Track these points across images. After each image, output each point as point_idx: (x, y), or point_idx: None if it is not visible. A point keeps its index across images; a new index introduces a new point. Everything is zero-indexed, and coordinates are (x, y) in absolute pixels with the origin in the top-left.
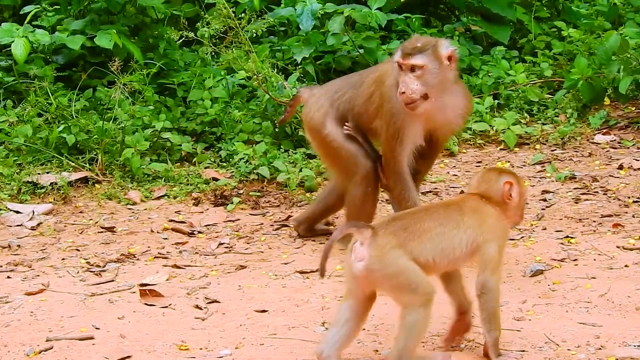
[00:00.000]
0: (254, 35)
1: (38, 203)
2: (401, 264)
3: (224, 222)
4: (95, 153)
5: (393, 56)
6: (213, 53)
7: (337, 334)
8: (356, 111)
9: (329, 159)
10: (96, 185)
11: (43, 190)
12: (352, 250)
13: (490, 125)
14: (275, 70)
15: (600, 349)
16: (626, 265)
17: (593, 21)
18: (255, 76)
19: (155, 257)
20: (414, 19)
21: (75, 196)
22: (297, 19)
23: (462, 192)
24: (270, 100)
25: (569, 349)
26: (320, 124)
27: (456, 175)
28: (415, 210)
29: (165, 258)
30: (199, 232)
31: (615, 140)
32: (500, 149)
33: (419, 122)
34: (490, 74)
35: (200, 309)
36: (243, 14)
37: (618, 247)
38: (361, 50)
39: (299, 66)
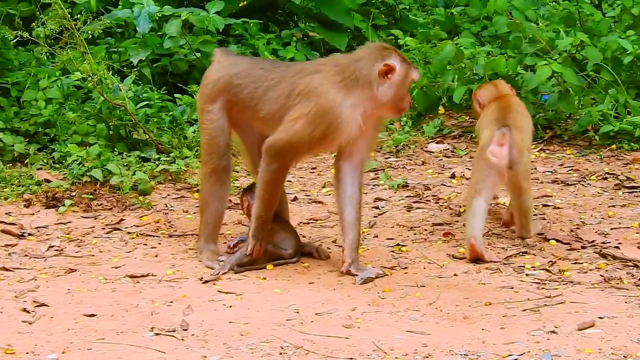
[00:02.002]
0: (90, 36)
1: None
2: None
3: (55, 224)
4: None
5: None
6: (49, 53)
7: (481, 223)
8: (265, 110)
9: (200, 131)
10: None
11: None
12: (493, 152)
13: None
14: (111, 72)
15: (427, 357)
16: (455, 274)
17: (429, 30)
18: (90, 78)
19: None
20: (251, 24)
21: None
22: (134, 21)
23: None
24: (104, 102)
25: (396, 357)
26: (210, 97)
27: (290, 181)
28: None
29: None
30: (29, 235)
31: (448, 149)
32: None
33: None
34: None
35: (28, 312)
36: (79, 15)
37: (448, 255)
38: (198, 54)
39: (135, 69)
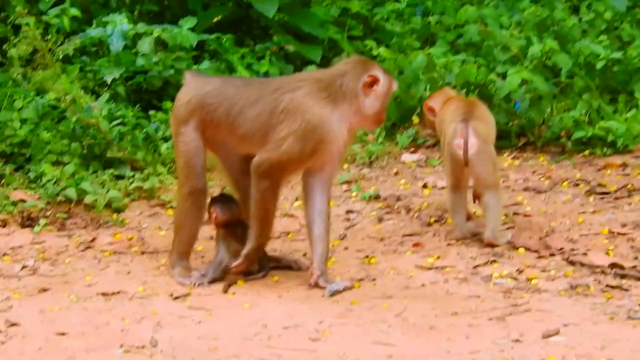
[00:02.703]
0: (64, 56)
1: None
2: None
3: (30, 244)
4: None
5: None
6: (24, 74)
7: (463, 217)
8: (244, 128)
9: (175, 154)
10: None
11: None
12: (459, 145)
13: None
14: (86, 91)
15: None
16: (423, 285)
17: (403, 40)
18: (64, 97)
19: None
20: (225, 39)
21: None
22: (108, 39)
23: None
24: (78, 122)
25: None
26: (182, 118)
27: None
28: None
29: None
30: (4, 254)
31: (422, 159)
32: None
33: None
34: None
35: (0, 332)
36: (51, 36)
37: (417, 266)
38: (172, 71)
39: (107, 88)
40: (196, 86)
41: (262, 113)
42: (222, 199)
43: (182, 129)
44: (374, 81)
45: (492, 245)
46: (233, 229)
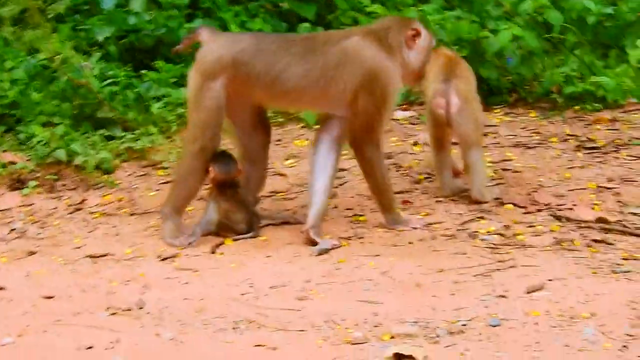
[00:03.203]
0: (52, 16)
1: None
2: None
3: (19, 206)
4: None
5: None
6: (14, 33)
7: (448, 174)
8: (289, 85)
9: (190, 111)
10: None
11: None
12: (439, 104)
13: None
14: (76, 51)
15: (377, 326)
16: (410, 242)
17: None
18: (55, 57)
19: None
20: None
21: None
22: None
23: None
24: (69, 82)
25: (347, 328)
26: (210, 75)
27: None
28: None
29: None
30: None
31: (414, 116)
32: (302, 127)
33: None
34: None
35: None
36: None
37: None
38: (164, 29)
39: (99, 48)
40: (226, 43)
41: (313, 68)
42: (222, 158)
43: (210, 85)
44: (417, 34)
45: (479, 202)
46: (226, 190)
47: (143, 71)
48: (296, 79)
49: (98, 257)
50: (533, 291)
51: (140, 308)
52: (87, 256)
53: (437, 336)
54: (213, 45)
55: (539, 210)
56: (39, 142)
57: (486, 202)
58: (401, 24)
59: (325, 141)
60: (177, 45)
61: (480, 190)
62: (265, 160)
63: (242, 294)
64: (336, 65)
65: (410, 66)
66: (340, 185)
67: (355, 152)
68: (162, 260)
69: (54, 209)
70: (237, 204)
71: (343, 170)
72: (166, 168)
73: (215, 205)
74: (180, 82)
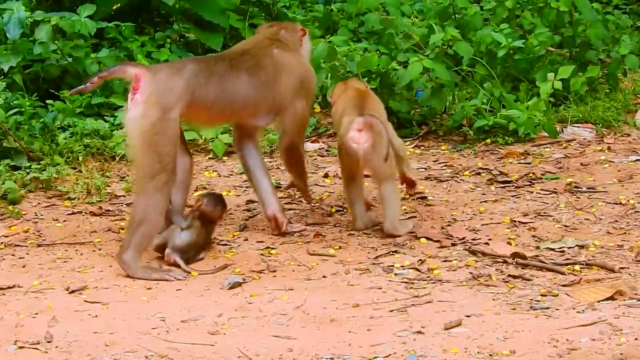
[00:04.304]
0: None
1: None
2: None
3: None
4: None
5: None
6: None
7: (361, 207)
8: (240, 102)
9: (145, 147)
10: None
11: None
12: (353, 138)
13: (199, 134)
14: None
15: None
16: (324, 276)
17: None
18: None
19: None
20: (124, 27)
21: None
22: (4, 27)
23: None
24: None
25: None
26: (168, 106)
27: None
28: None
29: None
30: None
31: (323, 148)
32: (209, 158)
33: None
34: None
35: None
36: None
37: (318, 257)
38: (70, 59)
39: (4, 77)
40: (173, 71)
41: (259, 83)
42: (215, 196)
43: (168, 116)
44: (304, 33)
45: (392, 236)
46: (204, 222)
47: (49, 101)
48: (247, 95)
49: (5, 288)
50: (451, 327)
51: (49, 341)
52: None
53: None
54: (160, 76)
55: (454, 245)
56: None
57: (400, 236)
58: (290, 28)
59: (249, 146)
60: (83, 84)
61: (393, 223)
62: (189, 183)
63: (153, 328)
64: (274, 76)
65: (307, 62)
66: (251, 217)
67: (287, 154)
68: (71, 292)
69: None
70: (205, 238)
71: (252, 202)
72: (72, 199)
73: (198, 227)
74: (87, 112)
